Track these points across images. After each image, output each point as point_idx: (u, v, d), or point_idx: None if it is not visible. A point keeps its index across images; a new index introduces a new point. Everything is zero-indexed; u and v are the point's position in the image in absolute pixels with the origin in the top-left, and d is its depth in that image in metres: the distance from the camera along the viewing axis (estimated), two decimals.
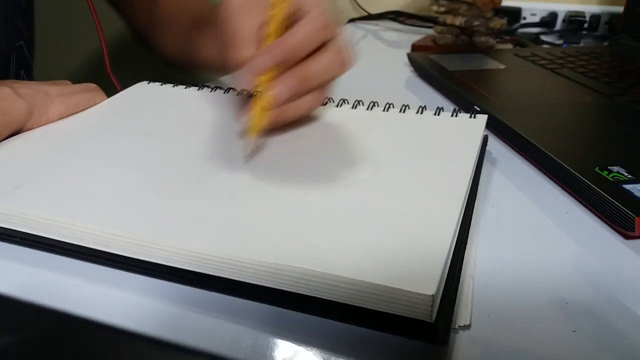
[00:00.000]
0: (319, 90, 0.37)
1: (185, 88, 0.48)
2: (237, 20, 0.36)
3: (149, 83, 0.49)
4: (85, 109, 0.43)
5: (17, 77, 0.59)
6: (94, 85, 0.45)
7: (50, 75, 0.67)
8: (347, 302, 0.24)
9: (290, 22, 0.36)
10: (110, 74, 0.53)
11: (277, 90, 0.34)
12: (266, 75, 0.35)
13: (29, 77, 0.61)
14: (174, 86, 0.48)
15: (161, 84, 0.48)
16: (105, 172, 0.33)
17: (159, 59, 0.65)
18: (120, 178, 0.32)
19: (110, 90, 0.47)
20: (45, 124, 0.40)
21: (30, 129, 0.39)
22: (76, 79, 0.46)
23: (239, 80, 0.35)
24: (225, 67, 0.42)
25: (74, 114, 0.42)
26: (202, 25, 0.52)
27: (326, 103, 0.43)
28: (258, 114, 0.35)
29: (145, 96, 0.46)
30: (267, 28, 0.36)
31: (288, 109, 0.36)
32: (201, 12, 0.54)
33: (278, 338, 0.24)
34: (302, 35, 0.34)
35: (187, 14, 0.55)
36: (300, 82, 0.35)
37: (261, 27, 0.36)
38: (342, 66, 0.36)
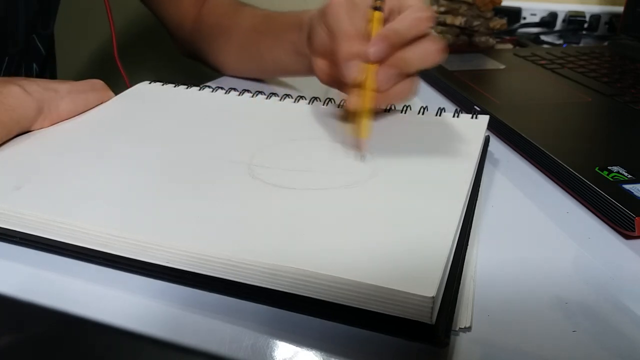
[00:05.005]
0: (414, 77, 0.39)
1: (187, 88, 0.48)
2: (344, 19, 0.39)
3: (150, 83, 0.49)
4: (93, 107, 0.43)
5: (29, 70, 0.59)
6: (100, 82, 0.45)
7: (59, 67, 0.68)
8: (347, 304, 0.24)
9: (389, 20, 0.39)
10: (120, 66, 0.53)
11: (382, 72, 0.36)
12: (370, 66, 0.36)
13: (41, 70, 0.61)
14: (175, 86, 0.48)
15: (162, 84, 0.48)
16: (105, 173, 0.33)
17: (167, 56, 0.65)
18: (120, 179, 0.32)
19: (117, 80, 0.47)
20: (57, 121, 0.40)
21: (41, 126, 0.39)
22: (83, 71, 0.46)
23: (347, 72, 0.37)
24: (299, 70, 0.52)
25: (83, 111, 0.42)
26: (264, 31, 0.55)
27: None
28: (366, 109, 0.36)
29: (146, 96, 0.46)
30: (370, 27, 0.38)
31: (391, 93, 0.38)
32: (262, 18, 0.57)
33: (278, 339, 0.24)
34: (408, 21, 0.37)
35: (242, 22, 0.58)
36: (400, 66, 0.37)
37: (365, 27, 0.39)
38: (438, 54, 0.38)
